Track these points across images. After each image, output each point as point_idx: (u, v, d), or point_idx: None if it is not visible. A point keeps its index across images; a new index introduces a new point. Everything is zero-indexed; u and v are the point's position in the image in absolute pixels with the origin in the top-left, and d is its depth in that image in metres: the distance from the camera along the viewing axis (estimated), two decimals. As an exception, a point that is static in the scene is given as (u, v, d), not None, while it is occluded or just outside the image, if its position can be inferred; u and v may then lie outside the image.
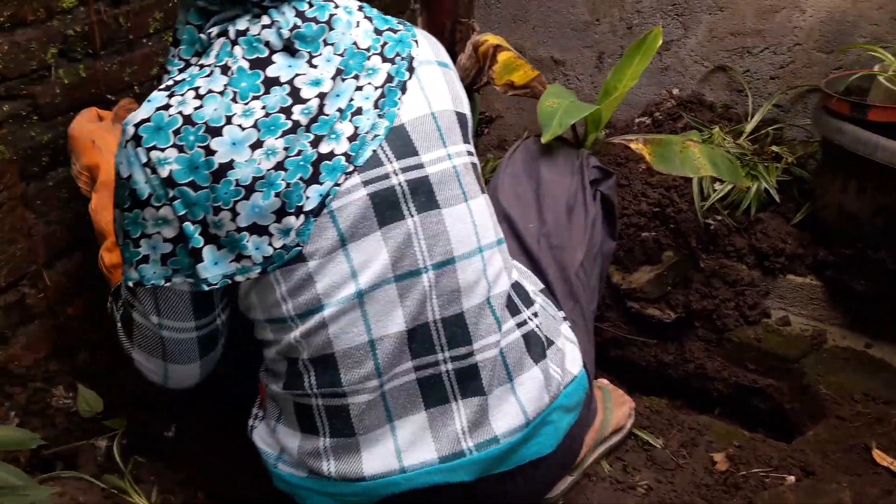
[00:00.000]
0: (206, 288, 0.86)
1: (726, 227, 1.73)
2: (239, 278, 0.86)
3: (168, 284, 0.87)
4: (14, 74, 1.11)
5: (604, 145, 1.82)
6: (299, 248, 0.85)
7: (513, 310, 1.01)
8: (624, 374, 1.74)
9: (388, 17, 0.98)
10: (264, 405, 1.00)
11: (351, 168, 0.86)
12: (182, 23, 0.91)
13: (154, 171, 0.83)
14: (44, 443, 1.04)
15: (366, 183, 0.87)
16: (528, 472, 1.00)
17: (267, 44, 0.86)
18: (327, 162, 0.85)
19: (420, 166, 0.91)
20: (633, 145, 1.54)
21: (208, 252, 0.84)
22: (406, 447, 0.93)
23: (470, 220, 0.95)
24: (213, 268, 0.85)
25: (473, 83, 1.59)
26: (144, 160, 0.83)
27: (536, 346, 1.01)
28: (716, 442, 1.38)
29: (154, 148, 0.83)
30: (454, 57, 1.61)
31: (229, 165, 0.82)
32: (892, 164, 1.40)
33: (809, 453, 1.36)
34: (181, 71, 0.90)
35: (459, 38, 1.56)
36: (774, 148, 1.82)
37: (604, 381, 1.46)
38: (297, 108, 0.84)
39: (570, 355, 1.08)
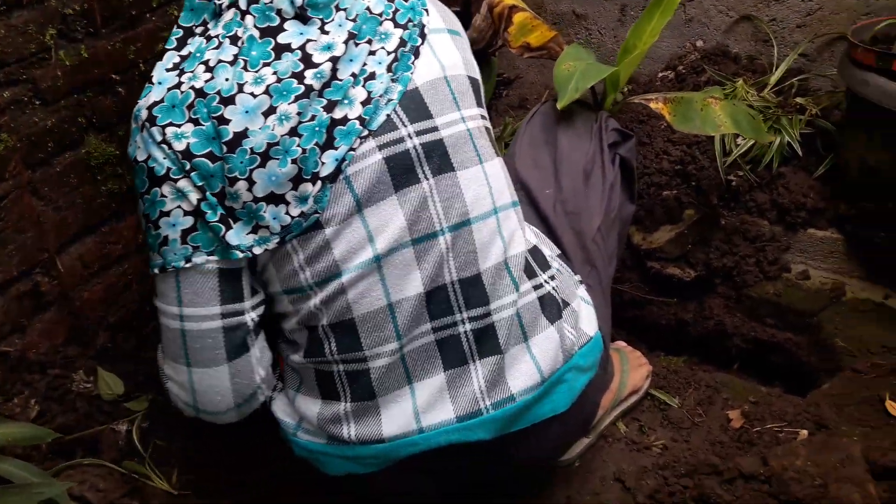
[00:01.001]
0: (238, 255, 0.86)
1: (748, 183, 1.73)
2: (257, 250, 0.87)
3: (189, 265, 0.87)
4: (12, 59, 1.06)
5: (624, 104, 1.82)
6: (317, 214, 0.87)
7: (530, 273, 1.03)
8: (644, 334, 1.79)
9: None
10: (283, 376, 1.04)
11: (366, 132, 0.88)
12: None
13: (170, 147, 0.84)
14: (59, 436, 1.04)
15: (381, 147, 0.89)
16: (542, 430, 1.03)
17: (279, 12, 0.86)
18: (341, 127, 0.86)
19: (435, 129, 0.92)
20: (653, 105, 1.53)
21: (228, 223, 0.86)
22: (425, 408, 0.95)
23: (485, 182, 0.97)
24: (234, 237, 0.86)
25: (490, 45, 1.58)
26: (160, 138, 0.84)
27: (552, 307, 1.03)
28: (732, 399, 1.43)
29: (170, 125, 0.84)
30: (470, 18, 1.60)
31: (244, 134, 0.83)
32: (914, 117, 1.38)
33: (824, 407, 1.39)
34: (179, 41, 0.90)
35: None
36: (799, 100, 1.79)
37: (622, 344, 1.51)
38: (309, 73, 0.85)
39: (585, 317, 1.10)
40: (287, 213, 0.86)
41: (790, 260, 1.71)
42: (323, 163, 0.86)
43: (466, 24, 1.58)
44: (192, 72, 0.85)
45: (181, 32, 0.91)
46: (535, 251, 1.07)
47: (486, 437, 0.97)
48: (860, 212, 1.60)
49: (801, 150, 1.73)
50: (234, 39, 0.86)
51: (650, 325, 1.81)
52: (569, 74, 1.40)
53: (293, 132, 0.84)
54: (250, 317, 0.94)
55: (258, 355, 0.96)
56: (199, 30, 0.90)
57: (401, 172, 0.90)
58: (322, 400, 0.97)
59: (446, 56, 0.96)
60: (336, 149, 0.86)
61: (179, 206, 0.86)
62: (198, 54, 0.86)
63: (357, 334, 0.92)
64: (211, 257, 0.88)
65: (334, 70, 0.86)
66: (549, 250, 1.16)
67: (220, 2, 0.88)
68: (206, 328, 0.91)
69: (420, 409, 0.95)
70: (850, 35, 1.61)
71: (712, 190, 1.71)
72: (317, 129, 0.85)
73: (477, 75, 1.02)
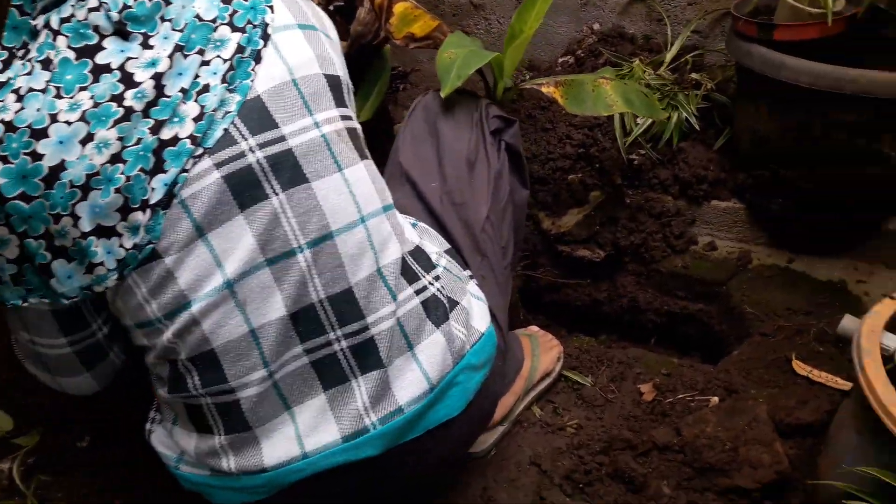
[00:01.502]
0: (65, 303, 0.82)
1: (650, 161, 1.74)
2: (97, 288, 0.81)
3: (26, 304, 0.83)
4: None
5: (523, 91, 1.82)
6: (152, 245, 0.80)
7: (410, 277, 0.98)
8: (562, 317, 1.79)
9: None
10: (160, 407, 0.98)
11: (200, 151, 0.80)
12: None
13: None
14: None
15: (218, 165, 0.81)
16: (439, 434, 0.99)
17: (96, 28, 0.78)
18: (171, 148, 0.79)
19: (281, 139, 0.84)
20: (544, 89, 1.52)
21: (58, 266, 0.80)
22: (307, 432, 0.90)
23: (346, 191, 0.89)
24: (67, 281, 0.81)
25: (375, 38, 1.55)
26: None
27: (438, 310, 0.99)
28: (644, 373, 1.43)
29: None
30: (354, 11, 1.55)
31: (61, 167, 0.76)
32: (796, 81, 1.40)
33: (733, 373, 1.40)
34: (4, 63, 0.81)
35: (358, -8, 1.51)
36: (694, 75, 1.82)
37: (533, 328, 1.49)
38: (129, 94, 0.77)
39: (477, 313, 1.06)
40: (121, 245, 0.79)
41: (696, 233, 1.73)
42: (152, 188, 0.78)
43: (351, 17, 1.54)
44: (2, 101, 0.76)
45: (6, 54, 0.81)
46: (417, 252, 1.02)
47: (375, 452, 0.92)
48: (756, 181, 1.63)
49: (699, 124, 1.76)
50: (47, 63, 0.78)
51: (567, 307, 1.81)
52: (450, 62, 1.36)
53: (115, 159, 0.77)
54: (102, 333, 0.90)
55: (118, 352, 0.95)
56: (20, 52, 0.81)
57: (244, 189, 0.82)
58: (197, 433, 0.92)
59: (294, 55, 0.88)
60: (165, 172, 0.79)
61: (2, 255, 0.80)
62: (11, 81, 0.78)
63: (220, 366, 0.86)
64: (44, 300, 0.83)
65: (160, 87, 0.79)
66: (437, 246, 1.12)
67: (34, 22, 0.80)
68: (58, 354, 0.90)
69: (302, 434, 0.90)
70: (732, 9, 1.64)
71: (615, 170, 1.72)
72: (141, 153, 0.78)
73: (338, 71, 0.94)
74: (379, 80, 1.61)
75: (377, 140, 1.74)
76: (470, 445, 1.16)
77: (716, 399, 1.34)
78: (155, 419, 1.00)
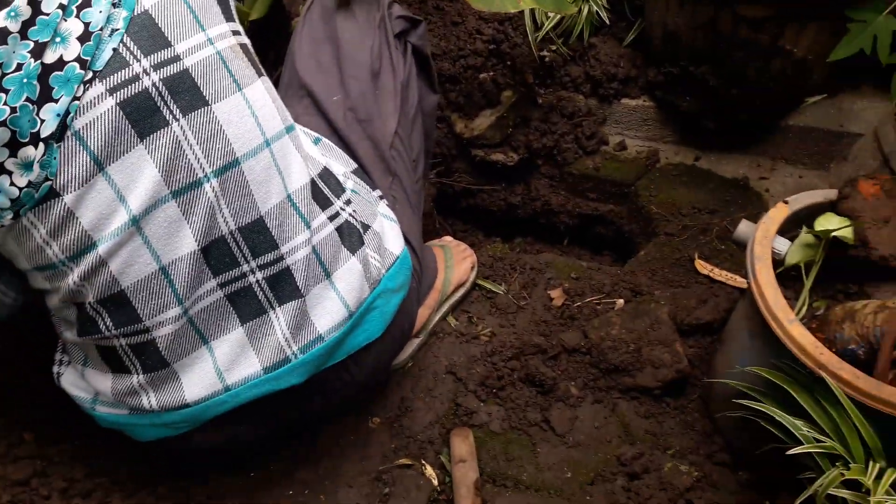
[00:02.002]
0: None
1: (561, 58, 1.70)
2: None
3: None
4: None
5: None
6: (49, 182, 0.75)
7: (322, 202, 0.95)
8: (478, 222, 1.79)
9: None
10: (66, 348, 0.96)
11: (89, 75, 0.74)
12: None
13: None
14: None
15: (112, 91, 0.75)
16: (361, 356, 1.01)
17: None
18: (58, 73, 0.73)
19: (176, 59, 0.79)
20: (451, -16, 1.45)
21: None
22: (227, 365, 0.91)
23: (248, 112, 0.85)
24: None
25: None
26: None
27: (352, 236, 0.98)
28: (555, 278, 1.45)
29: None
30: None
31: None
32: (705, -23, 1.38)
33: (639, 274, 1.44)
34: None
35: None
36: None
37: (447, 239, 1.48)
38: (1, 13, 0.70)
39: (390, 235, 1.05)
40: (12, 183, 0.74)
41: (607, 132, 1.73)
42: (42, 120, 0.72)
43: None
44: None
45: None
46: (326, 174, 0.98)
47: (298, 381, 0.94)
48: (666, 78, 1.62)
49: (610, 17, 1.71)
50: None
51: (483, 211, 1.81)
52: None
53: None
54: None
55: (4, 288, 0.90)
56: None
57: (143, 117, 0.77)
58: (112, 374, 0.90)
59: None
60: (56, 101, 0.72)
61: None
62: None
63: (132, 306, 0.83)
64: None
65: (35, 3, 0.71)
66: (344, 166, 1.08)
67: None
68: None
69: (223, 368, 0.90)
70: None
71: (527, 68, 1.67)
72: (25, 80, 0.71)
73: None
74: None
75: (273, 39, 1.62)
76: (390, 365, 1.17)
77: (621, 301, 1.38)
78: (63, 361, 0.97)
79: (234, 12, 0.88)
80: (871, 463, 0.87)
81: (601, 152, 1.70)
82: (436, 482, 1.14)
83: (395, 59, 1.19)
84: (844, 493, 0.85)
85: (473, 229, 1.82)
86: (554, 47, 1.69)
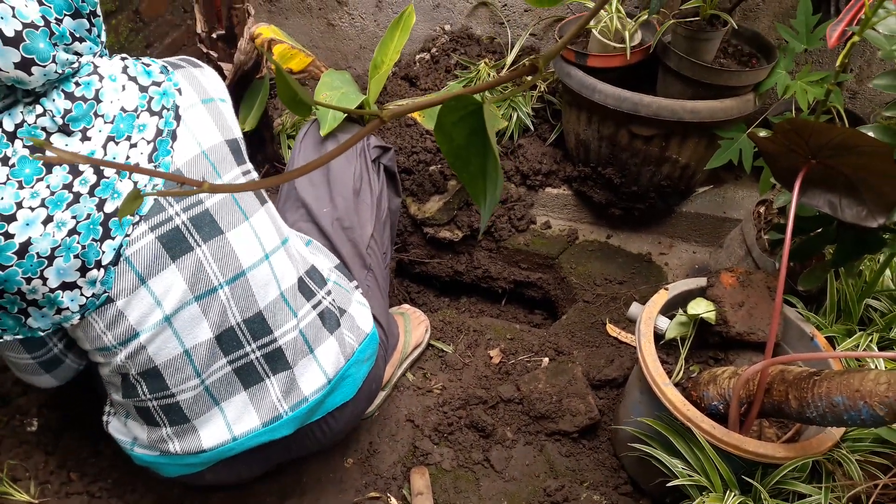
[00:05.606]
0: (40, 335, 0.98)
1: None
2: (65, 325, 0.96)
3: (1, 340, 0.99)
4: None
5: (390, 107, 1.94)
6: (106, 293, 0.95)
7: (307, 294, 1.15)
8: (430, 286, 1.99)
9: (150, 69, 1.00)
10: (114, 404, 1.13)
11: (137, 219, 0.95)
12: None
13: None
14: None
15: (152, 228, 0.96)
16: (337, 413, 1.21)
17: (44, 129, 0.90)
18: (115, 219, 0.93)
19: (199, 202, 1.00)
20: (409, 113, 1.68)
21: (33, 311, 0.95)
22: (234, 421, 1.10)
23: (253, 235, 1.06)
24: (41, 320, 0.95)
25: (256, 68, 1.63)
26: None
27: (331, 319, 1.18)
28: (494, 339, 1.67)
29: None
30: (235, 40, 1.61)
31: (28, 243, 0.89)
32: (605, 103, 1.64)
33: (561, 335, 1.68)
34: None
35: (237, 22, 1.57)
36: (530, 78, 2.00)
37: (405, 307, 1.69)
38: (76, 182, 0.91)
39: (361, 317, 1.25)
40: (82, 294, 0.94)
41: (535, 214, 1.97)
42: (103, 251, 0.93)
43: (233, 44, 1.60)
44: None
45: None
46: (311, 271, 1.18)
47: (289, 432, 1.13)
48: (580, 174, 1.87)
49: (534, 121, 1.97)
50: (5, 160, 0.89)
51: (434, 277, 2.01)
52: (326, 107, 1.48)
53: (72, 233, 0.90)
54: (57, 349, 1.06)
55: (73, 359, 1.10)
56: None
57: (174, 245, 0.98)
58: (147, 426, 1.09)
59: (201, 130, 1.01)
60: (113, 238, 0.93)
61: None
62: None
63: (163, 377, 1.03)
64: (17, 336, 0.98)
65: (99, 172, 0.92)
66: (329, 262, 1.29)
67: None
68: (25, 363, 1.06)
69: (231, 422, 1.10)
70: (556, 33, 1.82)
71: (469, 162, 1.91)
72: (91, 226, 0.92)
73: (234, 134, 1.06)
74: (259, 94, 1.69)
75: (262, 143, 1.83)
76: (360, 418, 1.37)
77: (546, 360, 1.61)
78: (110, 412, 1.17)
79: (244, 154, 1.09)
80: (727, 492, 1.10)
81: (530, 230, 1.94)
82: (401, 514, 1.34)
83: (372, 179, 1.43)
84: (705, 515, 1.08)
85: (426, 291, 2.03)
86: (491, 144, 1.93)
